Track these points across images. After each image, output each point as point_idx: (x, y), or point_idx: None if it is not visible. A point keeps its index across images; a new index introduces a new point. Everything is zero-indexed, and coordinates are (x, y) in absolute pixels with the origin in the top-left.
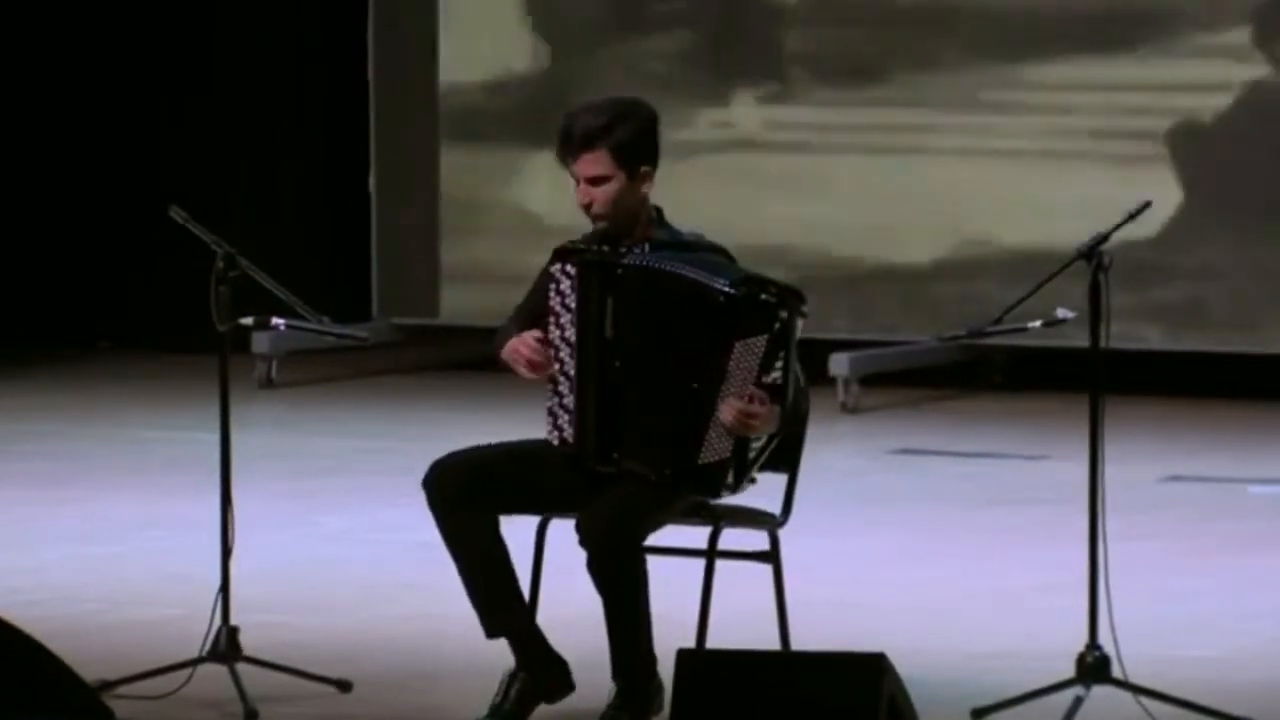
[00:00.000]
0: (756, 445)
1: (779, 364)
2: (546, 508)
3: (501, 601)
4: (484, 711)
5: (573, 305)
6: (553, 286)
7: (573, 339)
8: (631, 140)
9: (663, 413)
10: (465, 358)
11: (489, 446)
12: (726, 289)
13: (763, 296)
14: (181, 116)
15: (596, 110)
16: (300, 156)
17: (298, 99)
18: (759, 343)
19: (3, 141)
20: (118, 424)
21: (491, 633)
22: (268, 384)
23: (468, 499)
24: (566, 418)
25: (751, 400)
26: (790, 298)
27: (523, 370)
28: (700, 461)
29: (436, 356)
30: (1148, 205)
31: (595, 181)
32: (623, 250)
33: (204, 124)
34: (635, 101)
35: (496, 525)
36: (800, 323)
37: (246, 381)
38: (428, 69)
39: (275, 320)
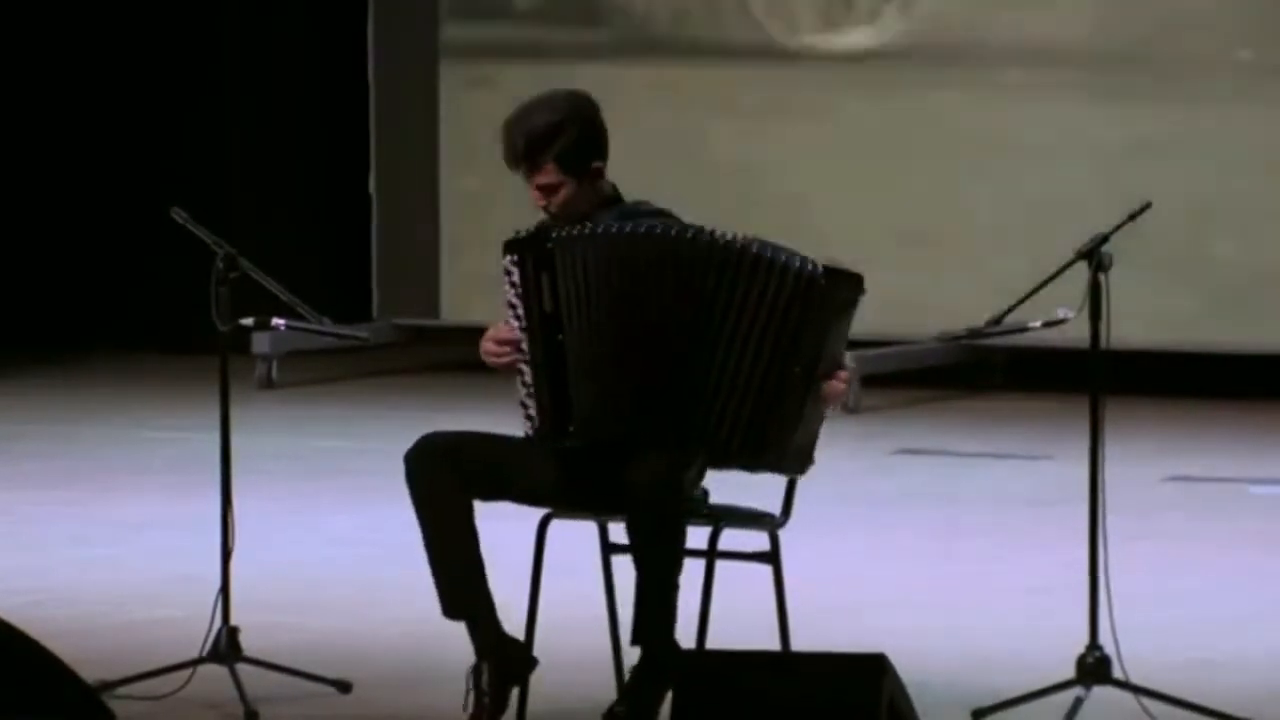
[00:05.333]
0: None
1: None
2: (525, 496)
3: (466, 582)
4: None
5: (522, 294)
6: (506, 279)
7: (528, 325)
8: (575, 146)
9: (756, 401)
10: (465, 358)
11: (477, 432)
12: (821, 271)
13: (857, 274)
14: (182, 117)
15: (535, 118)
16: (301, 157)
17: (298, 100)
18: (847, 321)
19: (3, 143)
20: (118, 424)
21: (451, 612)
22: (268, 384)
23: (445, 477)
24: (533, 405)
25: (840, 372)
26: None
27: (492, 355)
28: (797, 443)
29: (436, 357)
30: (1148, 206)
31: (547, 190)
32: (559, 230)
33: (205, 125)
34: (573, 100)
35: (470, 508)
36: None
37: (247, 382)
38: (428, 69)
39: (276, 321)
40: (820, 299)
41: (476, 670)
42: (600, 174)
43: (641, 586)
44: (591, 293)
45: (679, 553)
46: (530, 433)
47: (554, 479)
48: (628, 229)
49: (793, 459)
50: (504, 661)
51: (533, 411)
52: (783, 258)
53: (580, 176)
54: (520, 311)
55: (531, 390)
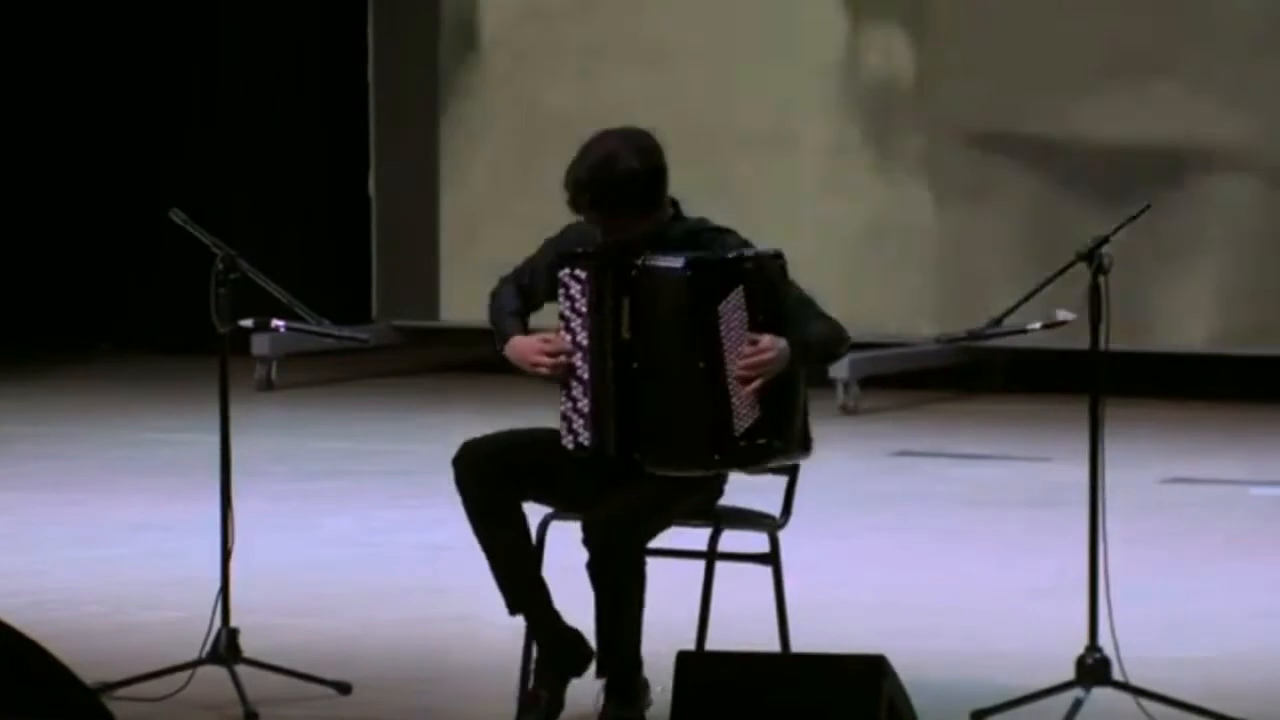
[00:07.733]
0: (789, 399)
1: (764, 305)
2: (560, 500)
3: (524, 580)
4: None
5: (584, 309)
6: (562, 292)
7: (585, 342)
8: (642, 192)
9: (684, 409)
10: (465, 359)
11: (518, 431)
12: (682, 267)
13: (719, 259)
14: (182, 118)
15: (605, 168)
16: (300, 158)
17: (298, 100)
18: (737, 296)
19: (3, 143)
20: (118, 425)
21: (514, 609)
22: (268, 386)
23: (495, 479)
24: (581, 422)
25: (752, 344)
26: (759, 254)
27: (545, 367)
28: (737, 433)
29: (436, 358)
30: (1147, 208)
31: (613, 229)
32: (632, 251)
33: (204, 126)
34: (638, 142)
35: (520, 505)
36: (781, 266)
37: (246, 383)
38: (428, 69)
39: (275, 322)
40: (692, 296)
41: (539, 665)
42: (667, 206)
43: (598, 621)
44: (660, 324)
45: (634, 589)
46: (572, 447)
47: (590, 490)
48: (704, 260)
49: (742, 453)
50: (562, 655)
51: (578, 426)
52: (673, 264)
53: (647, 215)
54: (576, 325)
55: (578, 406)
